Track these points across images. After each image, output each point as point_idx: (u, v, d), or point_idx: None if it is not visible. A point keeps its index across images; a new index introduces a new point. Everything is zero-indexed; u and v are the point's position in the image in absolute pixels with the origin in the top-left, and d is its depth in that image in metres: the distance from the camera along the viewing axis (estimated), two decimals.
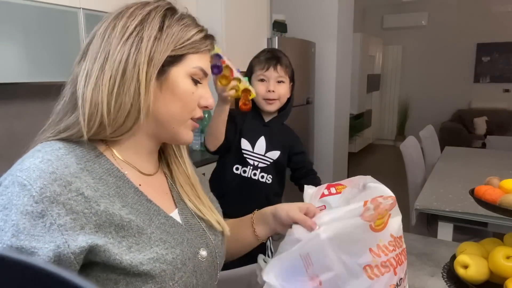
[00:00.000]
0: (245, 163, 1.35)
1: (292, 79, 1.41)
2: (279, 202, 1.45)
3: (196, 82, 0.65)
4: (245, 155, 1.35)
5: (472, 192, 1.02)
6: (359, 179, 0.79)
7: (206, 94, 0.68)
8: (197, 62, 0.65)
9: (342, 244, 0.63)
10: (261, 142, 1.37)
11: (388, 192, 0.70)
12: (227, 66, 1.05)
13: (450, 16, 6.18)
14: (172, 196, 0.71)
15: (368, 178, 0.77)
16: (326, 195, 0.82)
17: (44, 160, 0.52)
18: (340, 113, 3.91)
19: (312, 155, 3.74)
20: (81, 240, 0.51)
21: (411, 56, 6.67)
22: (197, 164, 2.11)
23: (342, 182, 0.83)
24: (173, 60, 0.62)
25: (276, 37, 3.00)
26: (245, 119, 1.36)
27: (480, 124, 5.70)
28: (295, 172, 1.48)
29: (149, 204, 0.63)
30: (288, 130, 1.51)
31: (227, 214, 0.84)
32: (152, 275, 0.57)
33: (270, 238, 1.31)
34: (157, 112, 0.62)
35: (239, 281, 1.00)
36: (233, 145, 1.34)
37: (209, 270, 0.69)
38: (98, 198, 0.55)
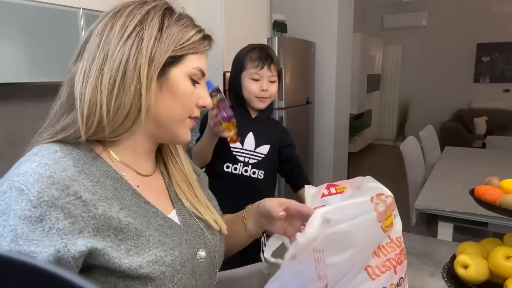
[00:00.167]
0: (235, 161, 1.35)
1: (279, 78, 1.41)
2: (273, 196, 1.47)
3: (194, 82, 0.65)
4: (234, 153, 1.35)
5: (472, 192, 1.02)
6: (360, 180, 0.79)
7: (204, 94, 0.68)
8: (196, 62, 0.65)
9: (354, 242, 0.63)
10: (250, 138, 1.37)
11: (387, 192, 0.70)
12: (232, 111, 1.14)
13: (450, 16, 6.18)
14: (170, 196, 0.71)
15: (369, 178, 0.77)
16: (326, 195, 0.82)
17: (41, 164, 0.52)
18: (340, 113, 3.91)
19: (312, 155, 3.74)
20: (80, 244, 0.51)
21: (411, 56, 6.68)
22: None
23: (342, 182, 0.83)
24: (173, 60, 0.62)
25: (276, 37, 3.00)
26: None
27: (480, 124, 5.70)
28: (284, 165, 1.49)
29: (147, 206, 0.63)
30: (276, 123, 1.53)
31: (222, 212, 0.85)
32: (151, 278, 0.57)
33: (264, 234, 1.31)
34: (156, 113, 0.62)
35: (238, 281, 1.00)
36: (220, 145, 1.33)
37: (208, 270, 0.69)
38: (96, 201, 0.54)
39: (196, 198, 0.73)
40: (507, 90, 6.02)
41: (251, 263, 1.05)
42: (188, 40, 0.63)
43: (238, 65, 1.36)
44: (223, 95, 1.16)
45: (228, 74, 1.67)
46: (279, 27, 3.30)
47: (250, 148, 1.37)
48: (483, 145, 4.40)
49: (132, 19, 0.59)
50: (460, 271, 0.93)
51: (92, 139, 0.60)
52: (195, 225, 0.70)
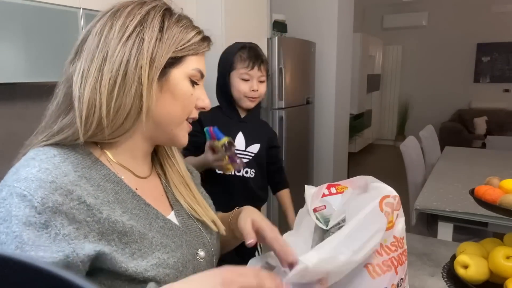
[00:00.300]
0: None
1: (267, 77, 1.42)
2: (265, 195, 1.47)
3: (193, 83, 0.65)
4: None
5: (472, 192, 1.02)
6: (360, 180, 0.79)
7: (202, 96, 0.68)
8: (196, 64, 0.65)
9: (357, 237, 0.62)
10: (240, 138, 1.37)
11: (392, 191, 0.70)
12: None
13: (450, 16, 6.18)
14: (168, 198, 0.71)
15: (370, 178, 0.77)
16: (327, 195, 0.82)
17: (42, 169, 0.51)
18: (340, 113, 3.91)
19: (312, 155, 3.74)
20: (88, 248, 0.51)
21: (411, 56, 6.68)
22: None
23: (342, 182, 0.83)
24: (174, 61, 0.62)
25: (276, 37, 3.00)
26: (215, 119, 1.30)
27: (480, 124, 5.70)
28: (268, 166, 1.49)
29: (148, 208, 0.62)
30: (265, 124, 1.54)
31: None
32: (156, 281, 0.57)
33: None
34: (156, 114, 0.62)
35: None
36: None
37: (207, 269, 0.69)
38: (100, 206, 0.54)
39: (194, 199, 0.73)
40: (507, 90, 6.02)
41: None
42: (189, 41, 0.63)
43: (227, 64, 1.34)
44: (235, 146, 1.19)
45: None
46: (279, 27, 3.30)
47: (241, 148, 1.37)
48: (483, 145, 4.40)
49: (132, 19, 0.58)
50: (460, 271, 0.93)
51: (89, 141, 0.60)
52: (193, 226, 0.70)
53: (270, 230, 0.65)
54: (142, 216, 0.60)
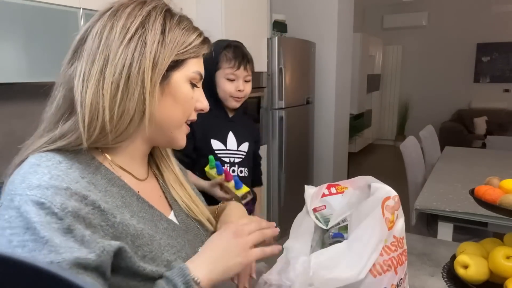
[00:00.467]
0: (222, 163, 1.32)
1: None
2: (254, 193, 1.48)
3: (193, 86, 0.65)
4: (219, 155, 1.33)
5: (472, 192, 1.02)
6: (361, 180, 0.79)
7: (201, 98, 0.68)
8: (196, 66, 0.65)
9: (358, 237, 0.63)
10: (231, 138, 1.37)
11: (392, 192, 0.70)
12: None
13: (450, 16, 6.18)
14: (166, 198, 0.71)
15: (370, 178, 0.77)
16: (327, 195, 0.82)
17: (54, 176, 0.50)
18: (340, 113, 3.91)
19: (312, 155, 3.74)
20: (114, 243, 0.51)
21: (411, 56, 6.67)
22: None
23: (342, 182, 0.83)
24: (175, 65, 0.61)
25: (276, 37, 3.00)
26: (205, 121, 1.23)
27: (480, 124, 5.70)
28: None
29: (152, 210, 0.63)
30: (249, 120, 1.54)
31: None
32: None
33: None
34: (157, 117, 0.61)
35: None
36: (203, 152, 1.30)
37: None
38: (113, 210, 0.54)
39: (190, 198, 0.74)
40: (507, 90, 6.02)
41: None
42: (190, 44, 0.62)
43: (212, 63, 1.29)
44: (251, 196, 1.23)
45: None
46: (279, 27, 3.30)
47: (233, 148, 1.36)
48: (483, 145, 4.40)
49: (133, 21, 0.57)
50: (460, 271, 0.93)
51: (91, 146, 0.58)
52: (192, 225, 0.72)
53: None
54: (148, 219, 0.61)
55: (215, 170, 1.23)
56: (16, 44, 1.51)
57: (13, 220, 0.47)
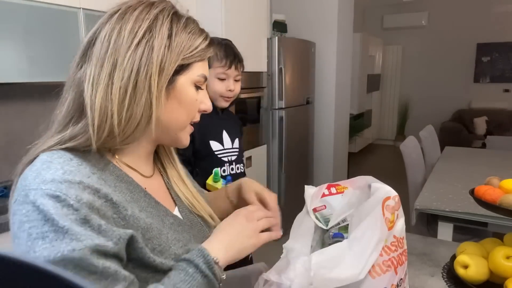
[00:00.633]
0: (221, 163, 1.32)
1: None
2: None
3: (198, 88, 0.66)
4: (219, 156, 1.32)
5: (472, 192, 1.02)
6: (361, 180, 0.79)
7: (205, 99, 0.69)
8: (201, 69, 0.66)
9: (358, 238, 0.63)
10: (225, 136, 1.36)
11: (392, 192, 0.70)
12: None
13: (450, 16, 6.18)
14: (171, 195, 0.73)
15: (370, 178, 0.77)
16: (327, 195, 0.82)
17: (67, 171, 0.52)
18: (340, 113, 3.91)
19: (312, 155, 3.74)
20: (129, 231, 0.53)
21: (411, 56, 6.67)
22: None
23: (342, 182, 0.83)
24: (181, 69, 0.62)
25: (276, 37, 3.00)
26: (202, 122, 1.27)
27: (480, 124, 5.70)
28: None
29: (158, 206, 0.65)
30: (233, 115, 1.53)
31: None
32: None
33: None
34: (163, 120, 0.62)
35: (238, 282, 1.00)
36: (202, 154, 1.29)
37: None
38: (124, 204, 0.56)
39: (191, 194, 0.76)
40: (507, 90, 6.02)
41: (250, 264, 1.06)
42: (196, 48, 0.63)
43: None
44: None
45: None
46: (279, 27, 3.30)
47: (229, 146, 1.36)
48: (483, 145, 4.40)
49: (141, 25, 0.58)
50: (460, 271, 0.93)
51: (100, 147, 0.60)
52: (195, 220, 0.73)
53: (271, 200, 0.76)
54: (155, 214, 0.63)
55: (219, 183, 1.21)
56: (16, 44, 1.51)
57: (31, 214, 0.48)
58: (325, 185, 0.84)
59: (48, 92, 1.88)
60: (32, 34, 1.55)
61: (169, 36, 0.60)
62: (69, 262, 0.46)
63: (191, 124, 0.69)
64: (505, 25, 5.82)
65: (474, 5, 5.96)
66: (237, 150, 1.39)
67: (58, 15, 1.63)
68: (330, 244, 0.71)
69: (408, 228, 0.95)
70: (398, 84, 6.90)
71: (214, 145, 1.32)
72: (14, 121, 1.81)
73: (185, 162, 1.24)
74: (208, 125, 1.30)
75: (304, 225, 0.80)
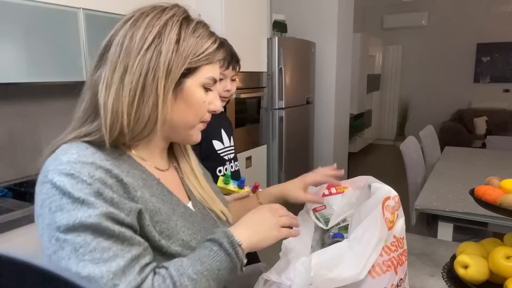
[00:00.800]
0: (223, 162, 1.33)
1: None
2: None
3: (207, 90, 0.68)
4: (221, 155, 1.33)
5: (472, 192, 1.02)
6: (361, 180, 0.79)
7: (214, 100, 0.71)
8: (210, 72, 0.67)
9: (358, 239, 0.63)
10: (224, 135, 1.37)
11: (392, 192, 0.70)
12: None
13: (450, 16, 6.18)
14: (185, 189, 0.76)
15: (370, 178, 0.77)
16: (327, 195, 0.82)
17: (81, 154, 0.56)
18: (340, 113, 3.91)
19: (312, 155, 3.74)
20: (137, 205, 0.57)
21: (411, 56, 6.67)
22: None
23: (342, 182, 0.83)
24: (188, 72, 0.65)
25: (276, 37, 3.00)
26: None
27: (480, 124, 5.69)
28: None
29: (170, 195, 0.67)
30: (224, 113, 1.53)
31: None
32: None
33: None
34: (171, 120, 0.66)
35: (238, 281, 1.00)
36: (205, 154, 1.29)
37: None
38: (134, 186, 0.59)
39: (203, 190, 0.78)
40: (507, 90, 6.02)
41: (250, 264, 1.05)
42: (203, 52, 0.65)
43: None
44: None
45: None
46: (279, 27, 3.30)
47: (227, 144, 1.37)
48: (483, 145, 4.40)
49: (151, 31, 0.61)
50: (460, 271, 0.93)
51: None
52: (209, 215, 0.76)
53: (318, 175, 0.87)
54: (167, 201, 0.65)
55: (230, 184, 1.20)
56: (16, 44, 1.51)
57: (49, 191, 0.54)
58: (325, 185, 0.84)
59: (48, 92, 1.88)
60: (32, 34, 1.55)
61: (177, 41, 0.63)
62: (87, 227, 0.51)
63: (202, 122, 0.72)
64: (505, 25, 5.81)
65: (474, 5, 5.96)
66: (233, 147, 1.40)
67: (58, 15, 1.63)
68: (330, 244, 0.71)
69: (408, 228, 0.95)
70: (398, 84, 6.90)
71: (217, 144, 1.33)
72: (14, 121, 1.81)
73: None
74: (209, 124, 1.30)
75: (304, 225, 0.80)
